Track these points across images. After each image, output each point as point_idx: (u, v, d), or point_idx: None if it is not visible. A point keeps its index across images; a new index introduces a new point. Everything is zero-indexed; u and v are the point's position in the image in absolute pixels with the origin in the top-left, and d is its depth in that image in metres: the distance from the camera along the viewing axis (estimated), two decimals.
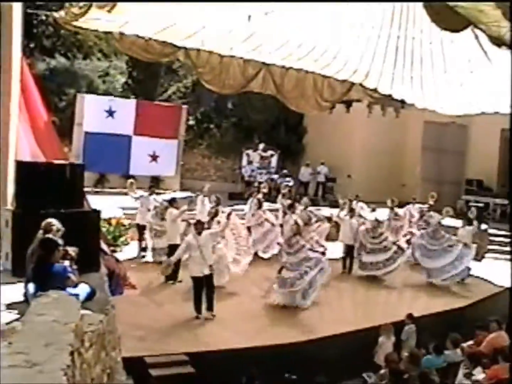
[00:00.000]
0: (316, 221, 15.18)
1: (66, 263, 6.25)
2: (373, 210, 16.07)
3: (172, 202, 13.48)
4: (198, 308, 10.49)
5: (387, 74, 13.75)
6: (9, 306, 5.98)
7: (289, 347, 9.51)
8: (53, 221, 6.67)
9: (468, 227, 14.97)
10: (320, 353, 9.65)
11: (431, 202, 16.39)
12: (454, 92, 14.08)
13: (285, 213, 15.24)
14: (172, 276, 12.15)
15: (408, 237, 15.63)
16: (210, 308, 10.56)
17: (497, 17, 8.42)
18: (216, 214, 12.87)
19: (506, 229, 18.86)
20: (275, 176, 23.00)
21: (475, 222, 15.27)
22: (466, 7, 8.39)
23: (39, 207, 7.49)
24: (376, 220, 14.84)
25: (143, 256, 14.33)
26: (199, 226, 10.78)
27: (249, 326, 10.35)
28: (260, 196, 15.98)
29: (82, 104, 19.88)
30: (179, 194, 17.25)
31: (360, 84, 14.33)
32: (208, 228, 11.37)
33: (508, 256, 17.44)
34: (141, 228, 14.55)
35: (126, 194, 19.80)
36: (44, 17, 21.68)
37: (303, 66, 13.76)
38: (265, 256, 14.91)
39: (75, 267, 6.34)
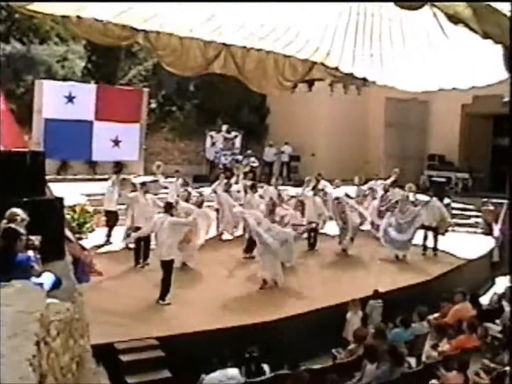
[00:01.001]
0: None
1: (30, 252, 6.16)
2: (337, 187, 16.17)
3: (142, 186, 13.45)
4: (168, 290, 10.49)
5: (348, 52, 13.76)
6: None
7: (259, 326, 9.57)
8: (17, 210, 6.55)
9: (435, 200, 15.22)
10: (290, 331, 9.75)
11: (393, 178, 16.58)
12: (413, 69, 14.19)
13: (246, 193, 15.25)
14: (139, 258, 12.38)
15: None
16: (162, 296, 10.43)
17: None
18: (188, 197, 12.99)
19: (467, 203, 19.23)
20: (240, 157, 22.97)
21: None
22: None
23: (0, 197, 7.35)
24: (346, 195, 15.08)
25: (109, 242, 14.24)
26: (169, 208, 10.80)
27: (218, 308, 10.38)
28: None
29: (40, 90, 19.47)
30: (143, 178, 17.08)
31: (322, 63, 14.33)
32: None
33: (471, 229, 17.85)
34: (108, 214, 14.43)
35: (90, 180, 19.73)
36: None
37: (264, 46, 13.70)
38: (231, 237, 15.03)
39: (38, 256, 6.25)
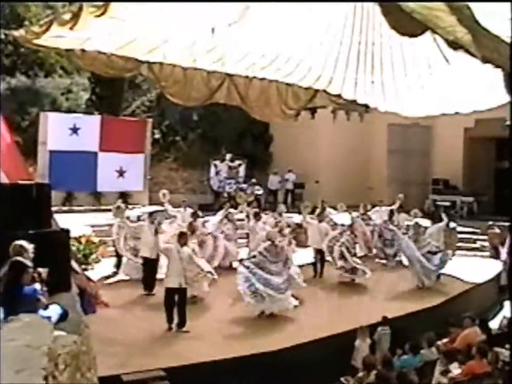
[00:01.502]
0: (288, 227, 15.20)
1: (37, 285, 6.15)
2: (344, 211, 16.19)
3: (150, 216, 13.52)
4: (170, 319, 10.49)
5: (350, 80, 13.87)
6: None
7: (267, 355, 9.49)
8: (23, 243, 6.56)
9: (437, 224, 15.17)
10: (298, 360, 9.65)
11: (398, 204, 16.58)
12: (415, 95, 14.28)
13: (249, 220, 15.28)
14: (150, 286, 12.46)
15: None
16: (182, 324, 10.51)
17: (453, 22, 8.61)
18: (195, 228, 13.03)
19: (473, 226, 19.17)
20: (244, 185, 23.02)
21: (444, 218, 15.48)
22: (422, 12, 8.52)
23: (5, 229, 7.36)
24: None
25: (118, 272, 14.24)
26: (183, 238, 10.83)
27: (225, 337, 10.31)
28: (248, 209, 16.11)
29: (45, 123, 19.56)
30: (148, 209, 17.13)
31: (324, 91, 14.43)
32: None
33: (477, 253, 17.77)
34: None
35: (95, 211, 19.78)
36: (3, 36, 21.43)
37: (267, 75, 13.82)
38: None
39: (45, 288, 6.24)
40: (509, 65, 8.70)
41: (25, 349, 3.58)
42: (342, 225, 15.11)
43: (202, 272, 11.78)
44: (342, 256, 14.09)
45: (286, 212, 17.80)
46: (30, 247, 6.52)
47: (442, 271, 14.49)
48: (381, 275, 14.75)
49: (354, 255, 14.41)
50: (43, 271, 6.40)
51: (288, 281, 11.69)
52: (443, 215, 15.50)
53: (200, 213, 14.83)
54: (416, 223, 14.68)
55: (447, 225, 15.61)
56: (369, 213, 16.88)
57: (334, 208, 16.47)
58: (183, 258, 10.55)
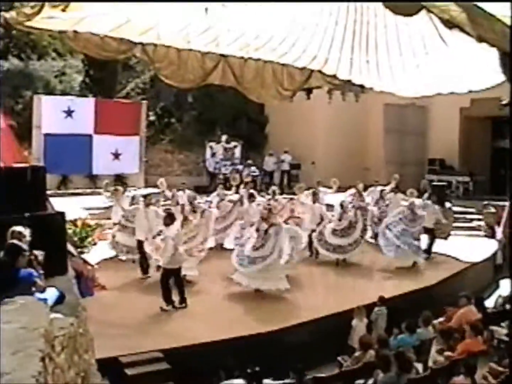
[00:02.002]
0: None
1: (33, 268, 6.15)
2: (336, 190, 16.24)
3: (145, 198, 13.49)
4: (169, 299, 10.56)
5: (345, 60, 13.80)
6: None
7: (264, 336, 9.54)
8: (20, 229, 6.54)
9: (435, 206, 15.19)
10: (295, 340, 9.72)
11: (393, 185, 16.58)
12: (410, 75, 14.23)
13: (242, 203, 15.25)
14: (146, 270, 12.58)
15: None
16: (183, 301, 10.73)
17: (448, 1, 8.61)
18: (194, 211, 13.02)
19: (468, 206, 19.23)
20: (240, 167, 22.99)
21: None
22: None
23: (1, 213, 7.35)
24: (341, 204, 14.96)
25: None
26: (169, 219, 10.91)
27: (221, 318, 10.35)
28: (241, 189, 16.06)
29: (39, 106, 19.49)
30: (144, 191, 17.10)
31: (319, 71, 14.36)
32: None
33: (473, 232, 17.83)
34: None
35: (90, 194, 19.75)
36: None
37: (261, 56, 13.73)
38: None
39: (41, 271, 6.24)
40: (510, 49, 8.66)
41: (21, 331, 3.58)
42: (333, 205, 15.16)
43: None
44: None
45: (282, 193, 17.78)
46: (27, 232, 6.51)
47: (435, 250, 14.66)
48: (375, 256, 14.77)
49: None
50: (39, 254, 6.40)
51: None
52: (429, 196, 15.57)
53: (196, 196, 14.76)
54: (412, 202, 14.69)
55: (442, 204, 15.62)
56: (364, 193, 16.84)
57: (329, 187, 16.44)
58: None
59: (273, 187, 16.43)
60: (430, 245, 14.97)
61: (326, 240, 14.31)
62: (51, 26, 11.04)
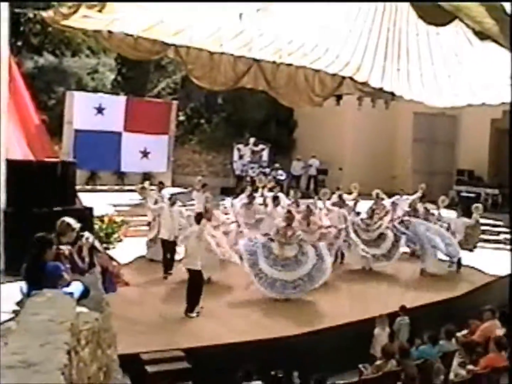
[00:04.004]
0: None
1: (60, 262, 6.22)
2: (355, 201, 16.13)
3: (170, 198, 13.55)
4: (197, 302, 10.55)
5: (377, 67, 13.76)
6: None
7: (285, 340, 9.54)
8: (70, 220, 6.60)
9: (464, 218, 15.04)
10: (316, 346, 9.69)
11: (419, 194, 16.46)
12: (441, 84, 14.12)
13: (266, 206, 15.26)
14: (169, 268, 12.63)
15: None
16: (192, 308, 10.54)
17: (482, 13, 8.54)
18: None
19: (496, 219, 18.98)
20: (267, 170, 23.01)
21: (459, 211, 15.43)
22: (452, 3, 8.47)
23: (31, 206, 7.47)
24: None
25: None
26: (198, 217, 10.96)
27: (243, 320, 10.36)
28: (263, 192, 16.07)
29: (71, 102, 19.78)
30: (171, 190, 17.20)
31: (351, 78, 14.32)
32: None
33: (499, 245, 17.59)
34: None
35: (118, 191, 19.93)
36: (31, 15, 21.57)
37: (294, 61, 13.73)
38: None
39: (68, 265, 6.32)
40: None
41: (49, 323, 3.64)
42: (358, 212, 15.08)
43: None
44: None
45: (309, 198, 17.69)
46: (77, 226, 6.56)
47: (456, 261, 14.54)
48: (399, 264, 14.66)
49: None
50: (67, 248, 6.48)
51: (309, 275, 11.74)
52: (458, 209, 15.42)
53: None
54: (426, 208, 14.73)
55: (469, 216, 15.44)
56: (388, 200, 16.73)
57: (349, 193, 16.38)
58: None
59: (292, 192, 16.45)
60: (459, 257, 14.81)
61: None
62: (86, 26, 11.18)
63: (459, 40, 12.00)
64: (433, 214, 15.02)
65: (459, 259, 14.70)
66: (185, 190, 16.01)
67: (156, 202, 13.66)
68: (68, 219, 6.57)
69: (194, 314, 10.35)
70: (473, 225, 15.14)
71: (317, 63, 13.70)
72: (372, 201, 15.73)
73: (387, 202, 16.22)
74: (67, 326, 3.66)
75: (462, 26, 10.42)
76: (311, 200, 16.62)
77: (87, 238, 6.55)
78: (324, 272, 11.83)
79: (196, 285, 10.48)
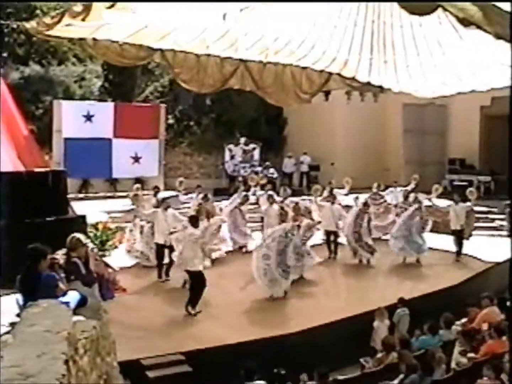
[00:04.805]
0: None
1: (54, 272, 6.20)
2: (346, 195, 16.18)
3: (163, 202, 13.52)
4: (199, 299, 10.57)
5: (364, 61, 13.75)
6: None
7: (284, 338, 9.53)
8: (81, 236, 6.64)
9: (462, 203, 15.06)
10: (316, 342, 9.68)
11: (413, 185, 16.48)
12: (428, 74, 14.13)
13: (259, 205, 15.30)
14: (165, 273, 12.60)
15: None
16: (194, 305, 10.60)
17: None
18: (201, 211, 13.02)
19: (490, 206, 19.02)
20: (259, 169, 22.99)
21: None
22: None
23: (24, 217, 7.44)
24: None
25: None
26: (194, 221, 10.97)
27: (242, 320, 10.37)
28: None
29: (59, 111, 19.73)
30: (163, 194, 17.15)
31: (338, 74, 14.30)
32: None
33: (495, 232, 17.63)
34: None
35: (111, 197, 19.87)
36: (15, 26, 21.47)
37: (281, 59, 13.70)
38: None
39: (63, 275, 6.29)
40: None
41: (45, 334, 3.62)
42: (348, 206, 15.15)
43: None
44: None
45: (302, 195, 17.75)
46: (87, 241, 6.61)
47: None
48: (395, 256, 14.69)
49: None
50: (61, 257, 6.46)
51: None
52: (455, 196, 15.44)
53: (210, 196, 14.86)
54: (416, 197, 14.81)
55: (471, 209, 15.46)
56: (383, 193, 16.77)
57: (341, 188, 16.41)
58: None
59: (282, 190, 16.51)
60: (460, 246, 14.87)
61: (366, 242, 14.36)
62: (71, 34, 11.12)
63: (442, 29, 12.01)
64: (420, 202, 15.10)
65: (460, 246, 14.77)
66: (175, 193, 15.94)
67: (157, 206, 13.69)
68: (78, 235, 6.60)
69: (194, 311, 10.39)
70: (469, 210, 15.16)
71: (304, 60, 13.67)
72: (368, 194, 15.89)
73: (388, 197, 16.37)
74: (64, 335, 3.64)
75: (446, 15, 10.44)
76: (304, 197, 16.70)
77: (92, 249, 6.57)
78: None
79: (198, 285, 10.51)
